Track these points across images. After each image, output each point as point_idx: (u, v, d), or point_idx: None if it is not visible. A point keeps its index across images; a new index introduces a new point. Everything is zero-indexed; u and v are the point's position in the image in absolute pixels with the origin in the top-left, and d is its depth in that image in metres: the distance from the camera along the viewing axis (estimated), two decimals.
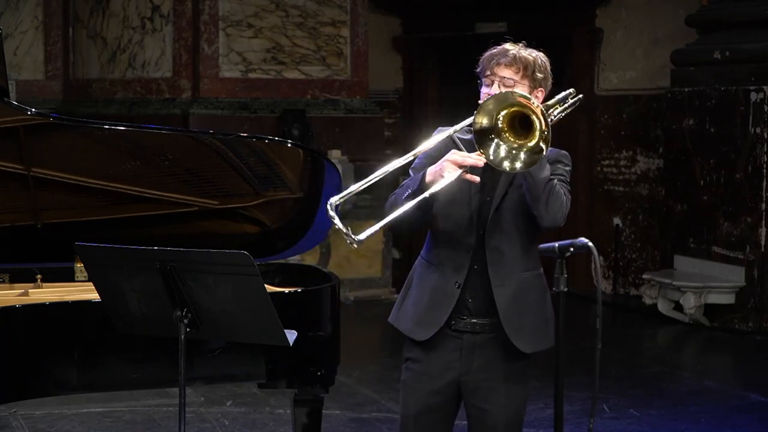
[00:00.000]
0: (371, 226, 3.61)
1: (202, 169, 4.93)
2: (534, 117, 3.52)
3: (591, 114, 11.30)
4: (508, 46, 3.79)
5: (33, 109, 4.56)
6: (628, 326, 9.83)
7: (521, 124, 3.56)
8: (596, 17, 11.30)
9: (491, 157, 3.55)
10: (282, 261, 5.28)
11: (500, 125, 3.55)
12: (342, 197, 3.66)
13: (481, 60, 3.80)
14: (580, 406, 6.69)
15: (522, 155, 3.54)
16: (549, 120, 3.52)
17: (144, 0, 10.58)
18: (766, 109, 9.21)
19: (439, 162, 3.65)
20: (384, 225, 3.65)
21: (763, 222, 9.22)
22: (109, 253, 3.83)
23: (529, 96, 3.60)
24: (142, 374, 4.41)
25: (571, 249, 3.41)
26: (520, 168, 3.55)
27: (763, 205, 9.21)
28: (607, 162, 11.32)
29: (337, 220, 3.56)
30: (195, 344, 4.14)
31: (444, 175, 3.60)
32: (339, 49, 10.69)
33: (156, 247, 3.73)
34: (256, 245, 4.82)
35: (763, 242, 9.23)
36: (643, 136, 10.98)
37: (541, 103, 3.72)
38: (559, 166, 3.78)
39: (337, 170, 4.93)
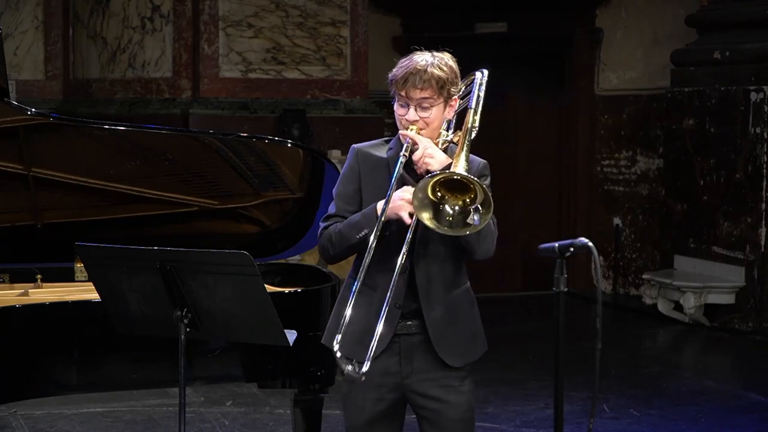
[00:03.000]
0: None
1: (202, 169, 4.93)
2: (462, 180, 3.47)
3: (591, 114, 11.29)
4: (417, 59, 3.69)
5: (33, 109, 4.56)
6: (628, 326, 9.82)
7: (455, 186, 3.50)
8: (596, 17, 11.29)
9: (446, 228, 3.51)
10: (282, 261, 5.28)
11: (440, 197, 3.51)
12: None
13: (392, 76, 3.71)
14: (580, 406, 6.68)
15: (472, 212, 3.49)
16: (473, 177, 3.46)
17: (144, 0, 10.57)
18: (766, 109, 9.20)
19: (394, 200, 3.59)
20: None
21: (763, 222, 9.22)
22: (109, 253, 3.83)
23: (442, 171, 3.52)
24: (142, 374, 4.41)
25: (571, 249, 3.41)
26: (481, 222, 3.49)
27: (763, 205, 9.21)
28: (607, 162, 11.31)
29: (342, 362, 3.54)
30: (195, 344, 4.14)
31: (401, 214, 3.58)
32: (339, 49, 10.68)
33: (156, 247, 3.73)
34: (256, 245, 4.82)
35: (763, 242, 9.23)
36: (643, 136, 10.98)
37: (473, 114, 3.69)
38: (485, 181, 3.66)
39: (337, 170, 4.93)
